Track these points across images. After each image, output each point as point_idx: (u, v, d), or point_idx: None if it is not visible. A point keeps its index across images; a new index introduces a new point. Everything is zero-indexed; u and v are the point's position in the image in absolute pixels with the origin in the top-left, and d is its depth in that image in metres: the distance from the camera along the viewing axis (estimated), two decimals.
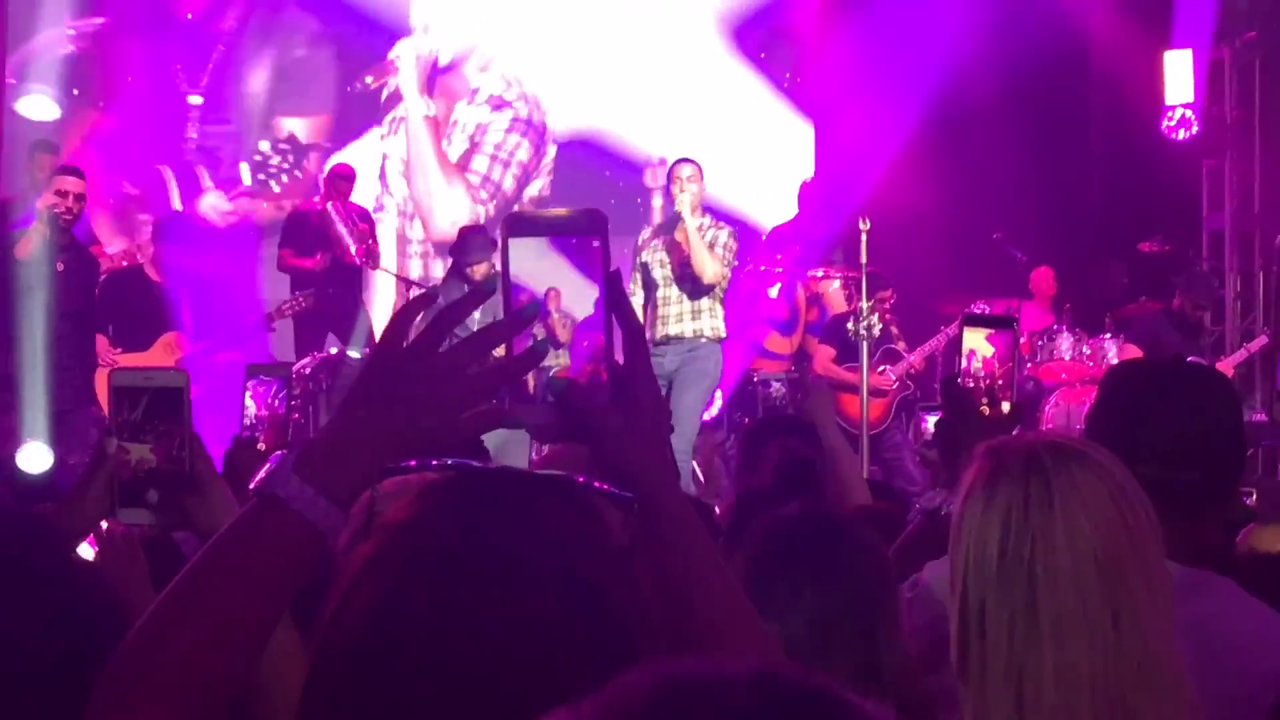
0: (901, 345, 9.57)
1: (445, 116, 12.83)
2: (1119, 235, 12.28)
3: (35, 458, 6.51)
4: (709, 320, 8.27)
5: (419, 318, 1.39)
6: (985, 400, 2.70)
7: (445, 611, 1.14)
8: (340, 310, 10.20)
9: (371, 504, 1.30)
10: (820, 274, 10.60)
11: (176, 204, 12.05)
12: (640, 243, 8.52)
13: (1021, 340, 10.59)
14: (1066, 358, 10.56)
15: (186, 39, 12.33)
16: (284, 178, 12.49)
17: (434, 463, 1.30)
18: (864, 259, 8.19)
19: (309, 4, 12.74)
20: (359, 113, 12.70)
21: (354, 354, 9.55)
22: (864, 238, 8.12)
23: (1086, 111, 13.05)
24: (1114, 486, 1.88)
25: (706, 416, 8.71)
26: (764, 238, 11.35)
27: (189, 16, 12.37)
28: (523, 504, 1.22)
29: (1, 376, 8.00)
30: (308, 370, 9.52)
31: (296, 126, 12.72)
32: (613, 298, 1.37)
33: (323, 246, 10.12)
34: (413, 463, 1.33)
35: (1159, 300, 10.81)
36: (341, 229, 10.18)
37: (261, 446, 3.31)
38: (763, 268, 10.63)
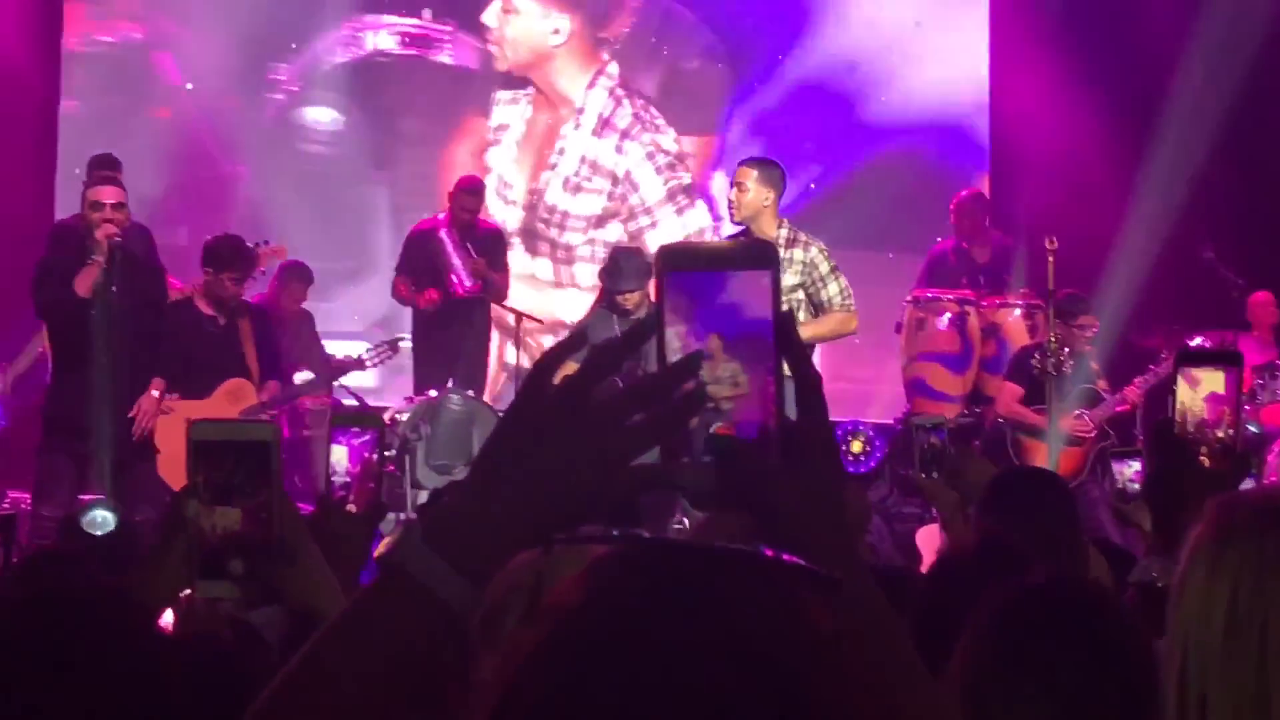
0: (1102, 384, 9.44)
1: None
2: None
3: (99, 519, 6.65)
4: None
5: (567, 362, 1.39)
6: (1205, 449, 2.68)
7: (631, 713, 1.13)
8: (458, 350, 10.29)
9: (538, 582, 1.32)
10: (998, 301, 10.50)
11: None
12: None
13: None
14: None
15: None
16: None
17: (600, 533, 1.30)
18: (1051, 284, 8.09)
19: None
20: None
21: (456, 397, 9.61)
22: (1050, 259, 8.02)
23: None
24: None
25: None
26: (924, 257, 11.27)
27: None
28: (712, 583, 1.19)
29: (76, 425, 8.17)
30: (404, 416, 9.61)
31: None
32: (785, 341, 1.37)
33: (434, 280, 10.25)
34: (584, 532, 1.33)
35: None
36: (455, 260, 10.29)
37: (352, 508, 3.31)
38: (929, 294, 10.51)
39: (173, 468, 8.23)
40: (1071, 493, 4.52)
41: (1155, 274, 11.31)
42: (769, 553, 1.24)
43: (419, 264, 10.35)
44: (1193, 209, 11.69)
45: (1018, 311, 10.24)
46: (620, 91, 12.98)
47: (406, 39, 12.81)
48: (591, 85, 12.94)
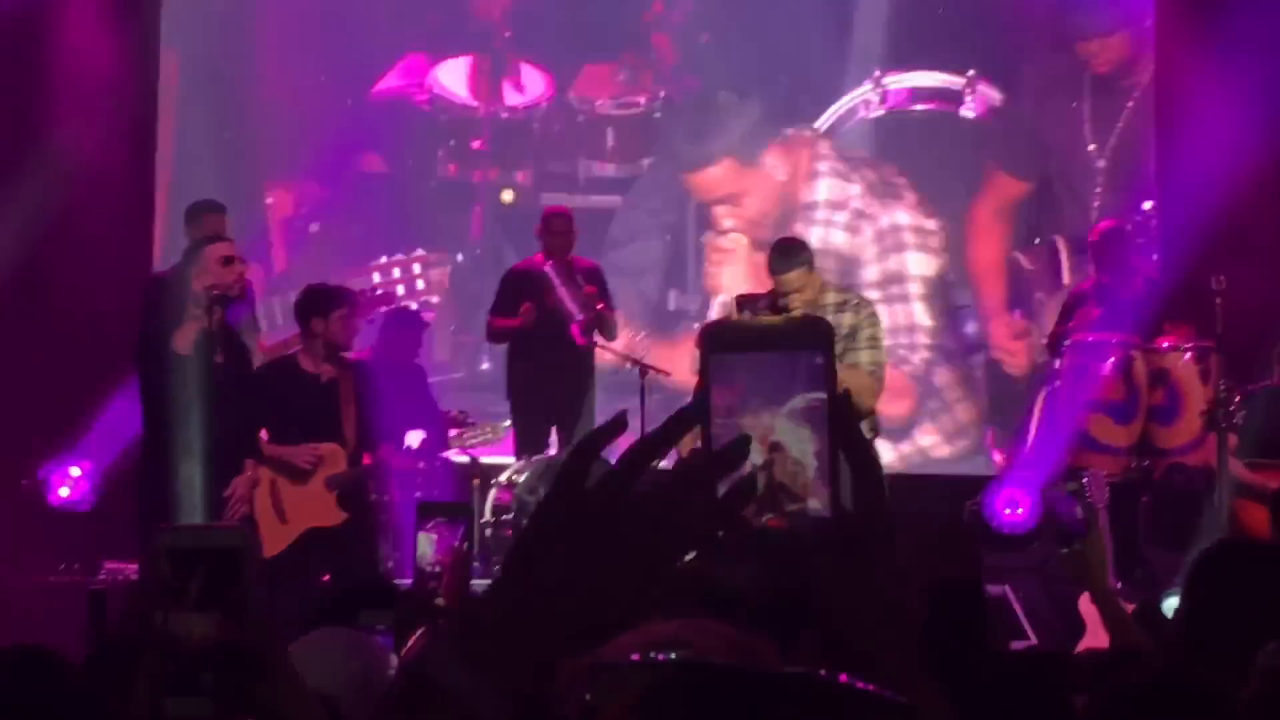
0: None
1: None
2: None
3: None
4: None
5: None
6: None
7: None
8: (561, 396, 9.87)
9: (587, 710, 1.30)
10: (1165, 343, 9.93)
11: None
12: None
13: None
14: None
15: None
16: None
17: (650, 657, 1.32)
18: (1220, 327, 7.56)
19: None
20: None
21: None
22: (1219, 300, 7.50)
23: None
24: None
25: None
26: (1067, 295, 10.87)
27: None
28: (773, 715, 1.19)
29: (160, 500, 7.83)
30: (521, 478, 9.21)
31: None
32: (841, 428, 1.34)
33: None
34: (631, 657, 1.33)
35: None
36: (563, 292, 9.86)
37: (440, 601, 3.34)
38: (1091, 338, 9.97)
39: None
40: None
41: None
42: (842, 679, 1.23)
43: (519, 304, 9.88)
44: None
45: (1188, 355, 9.64)
46: None
47: None
48: None
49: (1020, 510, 10.47)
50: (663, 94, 12.71)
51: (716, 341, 1.37)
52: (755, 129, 12.44)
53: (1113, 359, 9.95)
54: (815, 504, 1.34)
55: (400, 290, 11.50)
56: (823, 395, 1.34)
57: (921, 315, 12.54)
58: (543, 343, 9.78)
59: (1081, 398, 9.98)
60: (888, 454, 11.46)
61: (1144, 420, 9.96)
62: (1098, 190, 12.65)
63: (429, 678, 1.27)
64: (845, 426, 1.34)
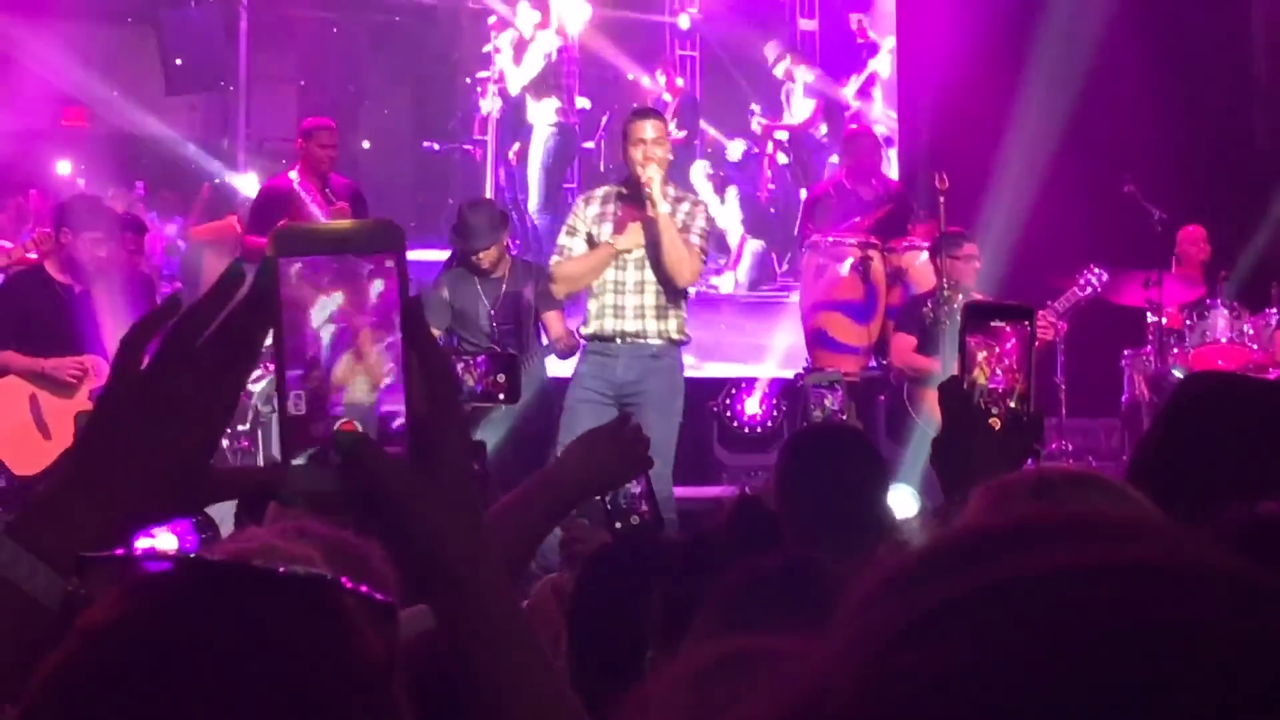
0: None
1: None
2: None
3: None
4: (675, 320, 8.01)
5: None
6: (997, 413, 2.62)
7: None
8: None
9: (72, 598, 1.29)
10: (904, 244, 10.19)
11: None
12: (583, 202, 8.20)
13: (1165, 318, 10.19)
14: (1223, 339, 10.26)
15: None
16: None
17: (131, 554, 1.31)
18: (942, 225, 7.80)
19: None
20: None
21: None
22: (941, 199, 7.73)
23: (1245, 25, 12.55)
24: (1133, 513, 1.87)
25: None
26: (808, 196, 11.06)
27: None
28: (248, 611, 1.21)
29: None
30: (257, 388, 9.21)
31: None
32: (413, 332, 1.33)
33: None
34: (121, 551, 1.31)
35: None
36: (313, 208, 9.81)
37: None
38: (831, 238, 10.18)
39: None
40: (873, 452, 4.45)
41: (1072, 209, 11.10)
42: (333, 578, 1.27)
43: (274, 220, 9.79)
44: (1111, 137, 11.49)
45: (924, 255, 9.88)
46: None
47: None
48: None
49: (759, 410, 10.71)
50: None
51: (284, 244, 1.34)
52: None
53: (850, 259, 10.14)
54: (380, 407, 1.33)
55: None
56: (394, 304, 1.33)
57: None
58: None
59: (819, 298, 10.18)
60: None
61: (882, 319, 10.23)
62: None
63: None
64: (417, 331, 1.34)
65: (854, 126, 11.79)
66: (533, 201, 13.13)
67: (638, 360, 7.91)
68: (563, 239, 8.07)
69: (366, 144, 12.85)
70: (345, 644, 1.23)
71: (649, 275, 7.90)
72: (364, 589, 1.27)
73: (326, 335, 1.33)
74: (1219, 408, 2.62)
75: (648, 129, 7.87)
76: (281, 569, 1.26)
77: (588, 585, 3.01)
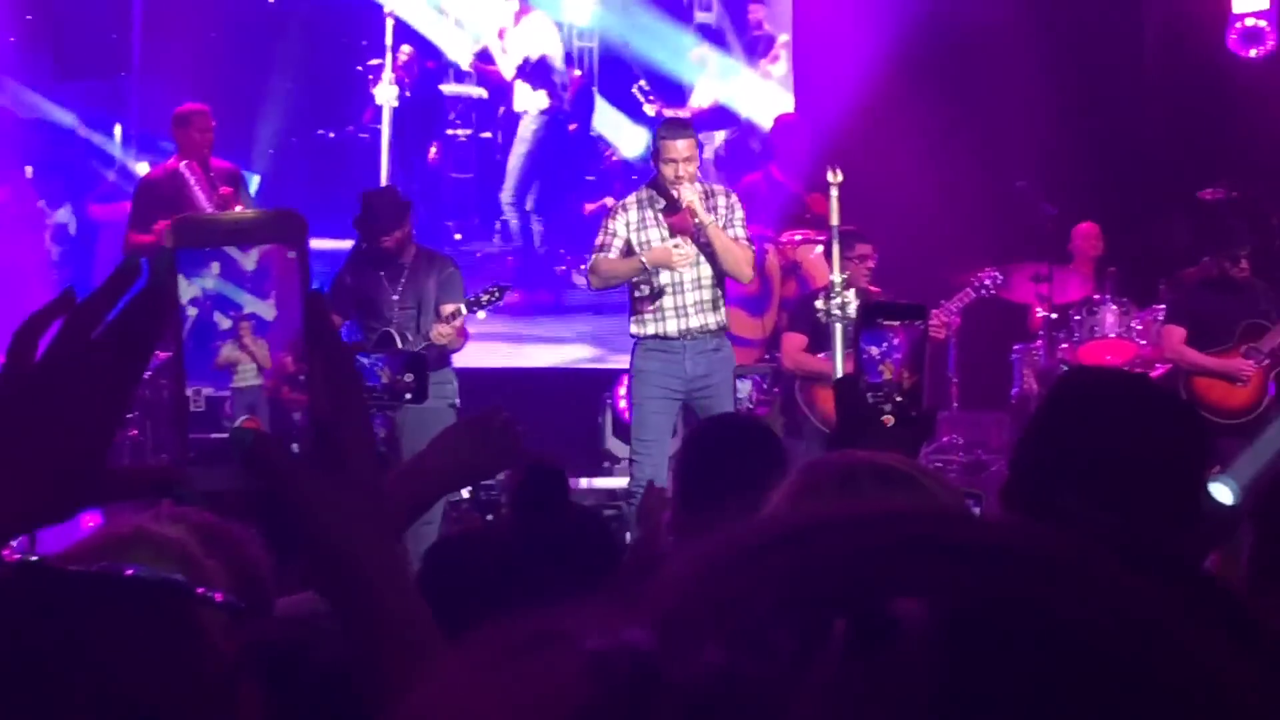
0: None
1: None
2: (1179, 180, 12.02)
3: None
4: (722, 310, 8.47)
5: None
6: (890, 408, 2.75)
7: None
8: None
9: None
10: (799, 237, 10.34)
11: None
12: (621, 209, 8.46)
13: (1054, 314, 10.40)
14: (1112, 335, 10.42)
15: None
16: None
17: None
18: (835, 219, 7.94)
19: None
20: None
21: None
22: (834, 192, 7.88)
23: (1137, 25, 12.79)
24: None
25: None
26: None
27: None
28: (87, 617, 1.20)
29: None
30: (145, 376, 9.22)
31: None
32: (315, 326, 1.32)
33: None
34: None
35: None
36: (198, 194, 9.83)
37: None
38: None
39: None
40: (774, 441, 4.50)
41: (965, 205, 11.29)
42: (183, 582, 1.28)
43: (153, 212, 9.70)
44: (1005, 135, 11.68)
45: (819, 249, 10.05)
46: None
47: None
48: None
49: None
50: None
51: (183, 236, 1.34)
52: None
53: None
54: (283, 404, 1.34)
55: None
56: (296, 297, 1.33)
57: None
58: None
59: None
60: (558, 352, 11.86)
61: (776, 312, 10.37)
62: None
63: None
64: (319, 324, 1.33)
65: (785, 114, 11.89)
66: (508, 193, 13.19)
67: (702, 355, 8.26)
68: (602, 238, 8.36)
69: (264, 132, 12.83)
70: (186, 650, 1.23)
71: (704, 271, 8.22)
72: (215, 595, 1.29)
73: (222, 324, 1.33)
74: (1090, 402, 2.73)
75: (680, 147, 8.19)
76: (129, 571, 1.26)
77: (426, 579, 3.02)
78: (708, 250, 8.16)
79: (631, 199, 8.52)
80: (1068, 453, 2.61)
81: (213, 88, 11.75)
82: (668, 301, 8.23)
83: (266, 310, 1.34)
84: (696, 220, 8.07)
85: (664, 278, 8.22)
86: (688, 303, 8.23)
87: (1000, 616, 0.68)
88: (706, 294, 8.26)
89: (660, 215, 8.28)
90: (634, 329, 8.39)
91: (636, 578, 2.47)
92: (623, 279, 8.31)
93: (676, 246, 8.13)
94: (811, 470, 2.07)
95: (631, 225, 8.31)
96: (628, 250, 8.29)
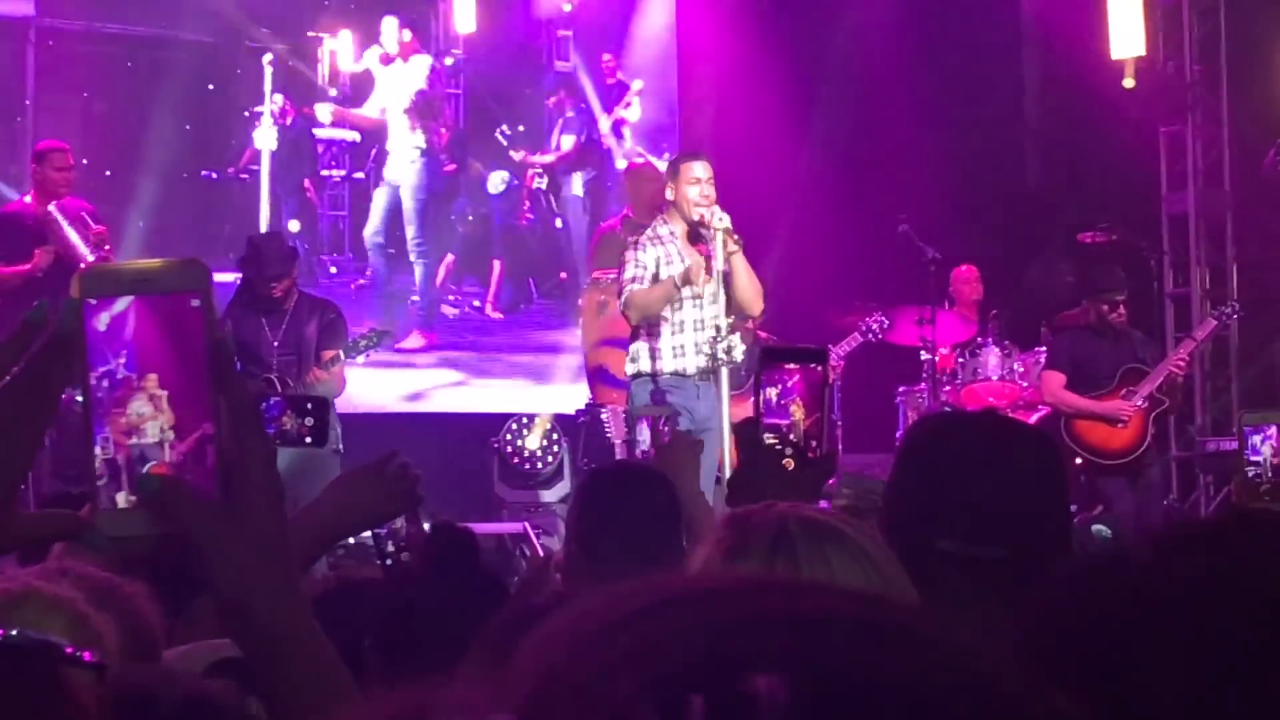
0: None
1: None
2: (1060, 223, 12.21)
3: None
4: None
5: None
6: (790, 451, 2.78)
7: None
8: None
9: None
10: None
11: None
12: (647, 242, 8.39)
13: (938, 356, 10.51)
14: (994, 377, 10.55)
15: None
16: None
17: None
18: (719, 264, 7.99)
19: None
20: None
21: (80, 397, 9.10)
22: (710, 232, 7.96)
23: (1017, 69, 12.98)
24: (873, 573, 1.96)
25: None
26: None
27: None
28: None
29: None
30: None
31: None
32: (220, 371, 1.33)
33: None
34: None
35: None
36: (70, 233, 9.71)
37: None
38: (611, 276, 10.33)
39: None
40: (671, 490, 4.43)
41: (847, 248, 11.38)
42: (52, 644, 1.30)
43: (18, 247, 9.53)
44: (887, 177, 11.78)
45: None
46: None
47: None
48: None
49: (539, 446, 10.81)
50: None
51: (90, 285, 1.34)
52: None
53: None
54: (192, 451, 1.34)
55: None
56: (200, 345, 1.34)
57: None
58: (53, 291, 9.58)
59: (601, 335, 10.33)
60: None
61: None
62: None
63: None
64: (224, 370, 1.34)
65: (639, 159, 11.96)
66: (376, 232, 13.23)
67: (709, 393, 8.24)
68: (633, 270, 8.29)
69: (150, 172, 12.82)
70: (52, 712, 1.27)
71: (709, 310, 8.14)
72: (84, 654, 1.31)
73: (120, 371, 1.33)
74: (942, 447, 2.80)
75: (701, 168, 8.26)
76: (15, 637, 1.28)
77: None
78: (731, 285, 8.16)
79: (645, 235, 8.53)
80: (936, 496, 2.68)
81: (102, 130, 11.70)
82: (687, 338, 8.24)
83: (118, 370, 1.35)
84: (736, 240, 8.06)
85: (686, 314, 8.23)
86: (702, 339, 8.21)
87: (860, 694, 0.69)
88: (715, 334, 8.16)
89: (681, 246, 8.28)
90: (645, 366, 8.37)
91: (512, 631, 2.44)
92: (659, 305, 8.27)
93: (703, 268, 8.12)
94: (740, 529, 2.03)
95: (658, 260, 8.32)
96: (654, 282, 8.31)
